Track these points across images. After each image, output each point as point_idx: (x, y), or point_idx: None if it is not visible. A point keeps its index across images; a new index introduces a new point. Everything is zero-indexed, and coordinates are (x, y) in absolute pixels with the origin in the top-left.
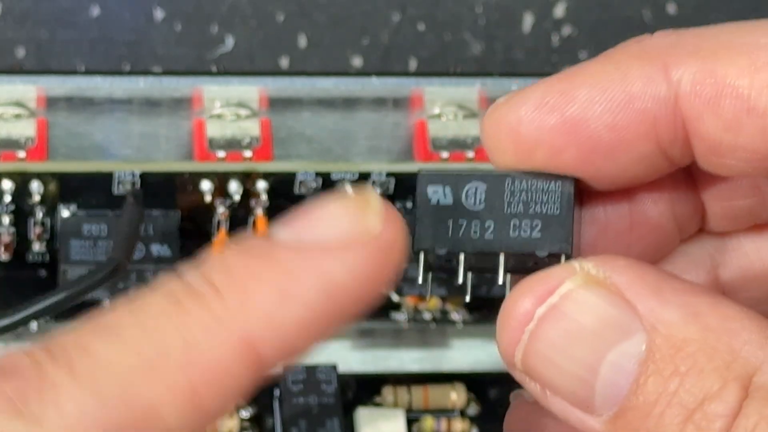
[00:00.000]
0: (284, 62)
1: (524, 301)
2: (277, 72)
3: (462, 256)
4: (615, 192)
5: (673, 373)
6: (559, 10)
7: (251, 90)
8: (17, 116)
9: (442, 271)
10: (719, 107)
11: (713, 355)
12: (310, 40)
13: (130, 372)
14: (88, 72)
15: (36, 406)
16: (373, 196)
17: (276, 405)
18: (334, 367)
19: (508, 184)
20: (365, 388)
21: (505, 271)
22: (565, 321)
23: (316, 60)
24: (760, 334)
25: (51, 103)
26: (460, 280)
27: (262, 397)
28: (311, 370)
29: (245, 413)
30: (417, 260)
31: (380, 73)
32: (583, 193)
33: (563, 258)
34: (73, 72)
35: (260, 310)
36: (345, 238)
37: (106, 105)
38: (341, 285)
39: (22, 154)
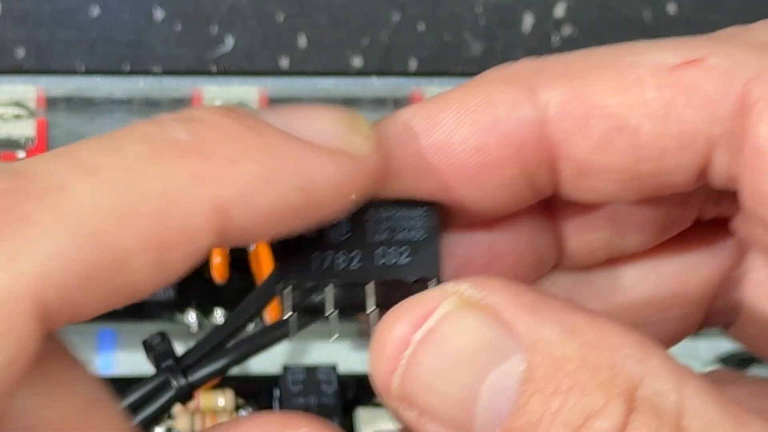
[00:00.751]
0: (284, 62)
1: (400, 327)
2: (277, 72)
3: (330, 288)
4: (474, 226)
5: (555, 392)
6: (559, 10)
7: (251, 90)
8: (17, 116)
9: (308, 310)
10: (588, 127)
11: (595, 371)
12: (310, 40)
13: (106, 215)
14: (88, 72)
15: (9, 242)
16: (364, 120)
17: (276, 405)
18: (334, 368)
19: (370, 213)
20: (365, 388)
21: (376, 305)
22: (444, 344)
23: (316, 60)
24: (640, 348)
25: (51, 103)
26: (328, 314)
27: (262, 397)
28: (311, 370)
29: (245, 413)
30: (282, 297)
31: (380, 73)
32: (446, 219)
33: (434, 282)
34: (73, 72)
35: (241, 181)
36: (333, 145)
37: (106, 105)
38: (317, 187)
39: (22, 154)
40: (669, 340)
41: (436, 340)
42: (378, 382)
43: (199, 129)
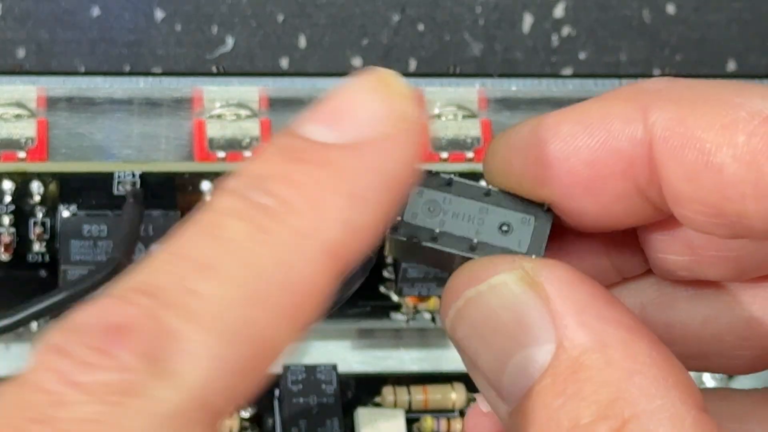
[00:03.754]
0: (284, 62)
1: (459, 279)
2: (277, 72)
3: (425, 246)
4: (565, 232)
5: (560, 392)
6: (559, 10)
7: (251, 90)
8: (18, 116)
9: (404, 253)
10: (683, 157)
11: (599, 387)
12: (310, 41)
13: (241, 306)
14: (89, 72)
15: (169, 361)
16: (393, 78)
17: (276, 405)
18: (334, 367)
19: (488, 201)
20: (365, 388)
21: None
22: (486, 310)
23: (316, 60)
24: (656, 384)
25: (51, 103)
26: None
27: (262, 397)
28: (311, 370)
29: (245, 413)
30: (393, 236)
31: None
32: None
33: None
34: (73, 72)
35: (337, 218)
36: (389, 129)
37: (107, 105)
38: (398, 175)
39: (22, 154)
40: (741, 370)
41: (482, 302)
42: (441, 319)
43: (273, 187)
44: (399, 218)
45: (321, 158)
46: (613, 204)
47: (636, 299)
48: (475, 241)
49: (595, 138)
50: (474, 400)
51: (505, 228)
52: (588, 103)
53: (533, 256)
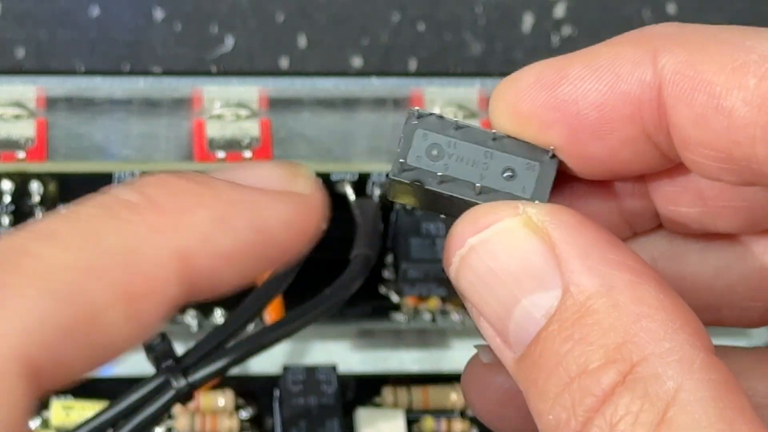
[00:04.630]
0: (284, 62)
1: (462, 227)
2: (277, 72)
3: (428, 188)
4: (574, 184)
5: (568, 338)
6: (559, 10)
7: (251, 90)
8: (17, 116)
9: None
10: (693, 100)
11: (607, 331)
12: (310, 40)
13: (75, 272)
14: (88, 72)
15: None
16: (302, 166)
17: (276, 405)
18: (334, 368)
19: (493, 146)
20: (365, 389)
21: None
22: (490, 257)
23: (316, 60)
24: (664, 327)
25: (51, 103)
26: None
27: (262, 398)
28: (311, 370)
29: (245, 413)
30: (398, 173)
31: (380, 74)
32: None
33: None
34: (73, 72)
35: (198, 228)
36: (279, 188)
37: (106, 105)
38: (272, 228)
39: (21, 154)
40: (754, 323)
41: (486, 249)
42: (444, 267)
43: (146, 188)
44: (402, 160)
45: (206, 180)
46: (620, 149)
47: (647, 253)
48: (479, 185)
49: (604, 81)
50: None
51: (509, 173)
52: (597, 47)
53: (536, 202)
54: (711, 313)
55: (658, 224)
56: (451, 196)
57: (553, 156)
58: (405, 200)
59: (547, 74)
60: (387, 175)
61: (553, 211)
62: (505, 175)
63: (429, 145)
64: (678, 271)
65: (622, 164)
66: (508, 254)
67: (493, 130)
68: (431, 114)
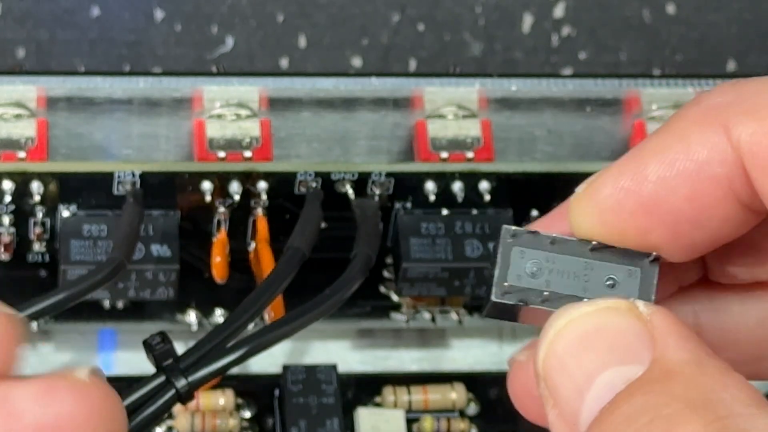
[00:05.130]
0: (284, 62)
1: (570, 306)
2: (277, 72)
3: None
4: None
5: (650, 391)
6: (559, 10)
7: (251, 90)
8: (17, 116)
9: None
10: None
11: (692, 389)
12: (310, 40)
13: None
14: (88, 72)
15: None
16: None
17: (276, 405)
18: (334, 367)
19: (592, 257)
20: (365, 388)
21: None
22: (589, 326)
23: (316, 60)
24: (752, 397)
25: (51, 103)
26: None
27: (262, 397)
28: (311, 370)
29: (245, 413)
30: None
31: (380, 74)
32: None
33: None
34: (73, 72)
35: None
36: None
37: (106, 105)
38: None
39: (22, 154)
40: None
41: (586, 322)
42: (537, 348)
43: None
44: (506, 283)
45: None
46: (721, 228)
47: (689, 306)
48: (584, 299)
49: (687, 173)
50: (474, 400)
51: (610, 282)
52: (659, 140)
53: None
54: (753, 366)
55: (701, 276)
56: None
57: (655, 259)
58: (504, 316)
59: (624, 181)
60: (488, 297)
61: (662, 309)
62: (607, 284)
63: (528, 263)
64: (720, 323)
65: (723, 237)
66: (604, 327)
67: (592, 241)
68: (526, 231)
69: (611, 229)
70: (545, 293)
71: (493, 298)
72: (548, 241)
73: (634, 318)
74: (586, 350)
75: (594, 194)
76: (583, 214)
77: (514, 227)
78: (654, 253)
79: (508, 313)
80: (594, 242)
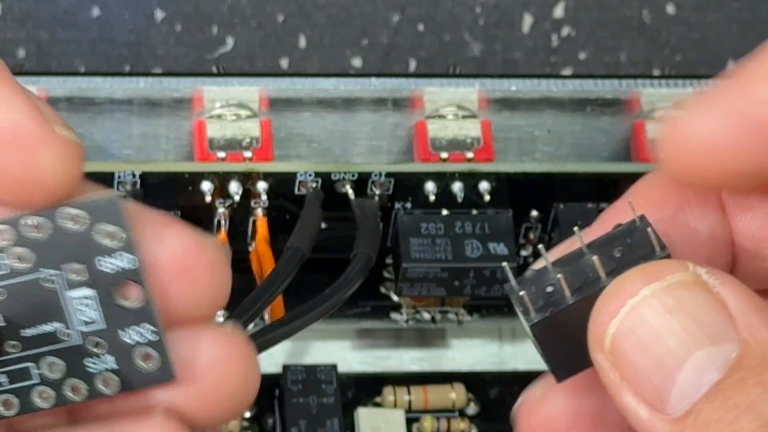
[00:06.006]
0: (284, 63)
1: (633, 279)
2: (277, 72)
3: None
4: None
5: (758, 384)
6: (559, 11)
7: (251, 90)
8: None
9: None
10: None
11: None
12: (310, 41)
13: None
14: (89, 73)
15: None
16: None
17: (276, 405)
18: (334, 367)
19: (589, 252)
20: (365, 388)
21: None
22: (670, 305)
23: (316, 60)
24: None
25: (51, 103)
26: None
27: (262, 397)
28: (311, 370)
29: (245, 413)
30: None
31: (380, 74)
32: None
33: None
34: (73, 73)
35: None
36: None
37: (107, 105)
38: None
39: None
40: None
41: (664, 299)
42: (593, 333)
43: None
44: (535, 320)
45: None
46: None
47: None
48: (604, 277)
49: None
50: (474, 400)
51: (618, 254)
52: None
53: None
54: None
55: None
56: (590, 295)
57: (641, 218)
58: (550, 337)
59: (727, 98)
60: (530, 329)
61: (720, 273)
62: (615, 257)
63: (539, 286)
64: None
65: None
66: (685, 305)
67: (580, 246)
68: (526, 279)
69: (721, 152)
70: (567, 293)
71: (529, 324)
72: (549, 268)
73: (706, 291)
74: (670, 329)
75: (698, 114)
76: (686, 138)
77: (513, 282)
78: (635, 216)
79: (555, 330)
80: (583, 245)
